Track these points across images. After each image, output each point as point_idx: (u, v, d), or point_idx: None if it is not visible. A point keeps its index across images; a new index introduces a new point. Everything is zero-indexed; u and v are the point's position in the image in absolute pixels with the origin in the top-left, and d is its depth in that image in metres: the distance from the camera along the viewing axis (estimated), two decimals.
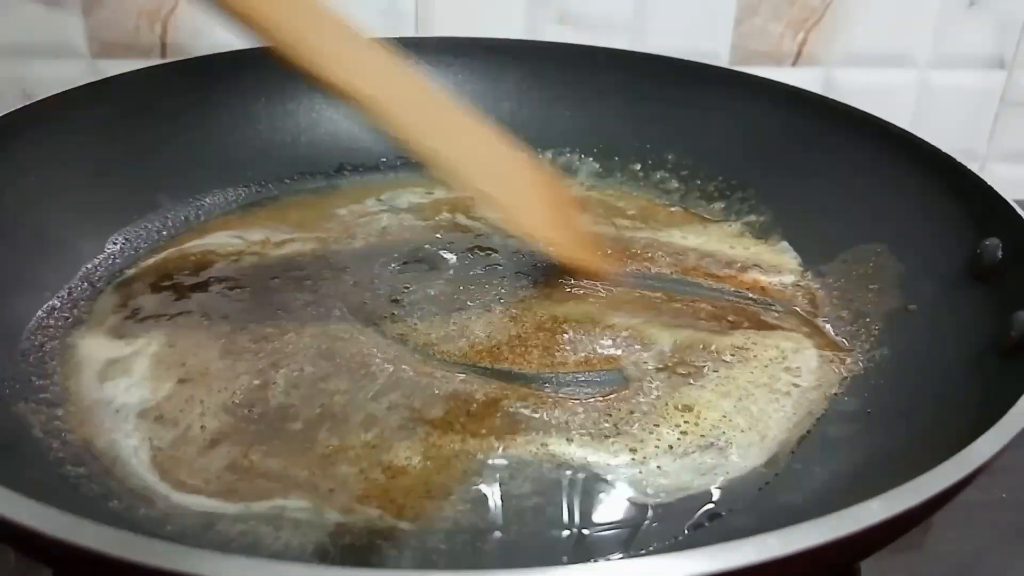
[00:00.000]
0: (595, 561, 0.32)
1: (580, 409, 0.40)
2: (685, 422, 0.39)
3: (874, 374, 0.42)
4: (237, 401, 0.39)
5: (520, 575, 0.22)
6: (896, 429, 0.38)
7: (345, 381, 0.41)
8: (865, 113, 0.53)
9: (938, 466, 0.26)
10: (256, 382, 0.40)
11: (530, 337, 0.44)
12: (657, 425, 0.39)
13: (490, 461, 0.37)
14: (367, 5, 0.68)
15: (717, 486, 0.36)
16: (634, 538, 0.34)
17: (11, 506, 0.24)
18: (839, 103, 0.55)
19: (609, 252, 0.52)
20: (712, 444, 0.38)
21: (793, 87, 0.57)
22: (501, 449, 0.37)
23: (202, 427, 0.38)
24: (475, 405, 0.39)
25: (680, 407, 0.40)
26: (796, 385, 0.42)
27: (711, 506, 0.35)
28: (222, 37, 0.67)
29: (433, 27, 0.70)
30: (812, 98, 0.56)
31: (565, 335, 0.45)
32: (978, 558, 0.40)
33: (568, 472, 0.37)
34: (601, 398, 0.41)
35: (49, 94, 0.50)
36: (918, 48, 0.74)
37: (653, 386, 0.41)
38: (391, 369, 0.41)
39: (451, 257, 0.51)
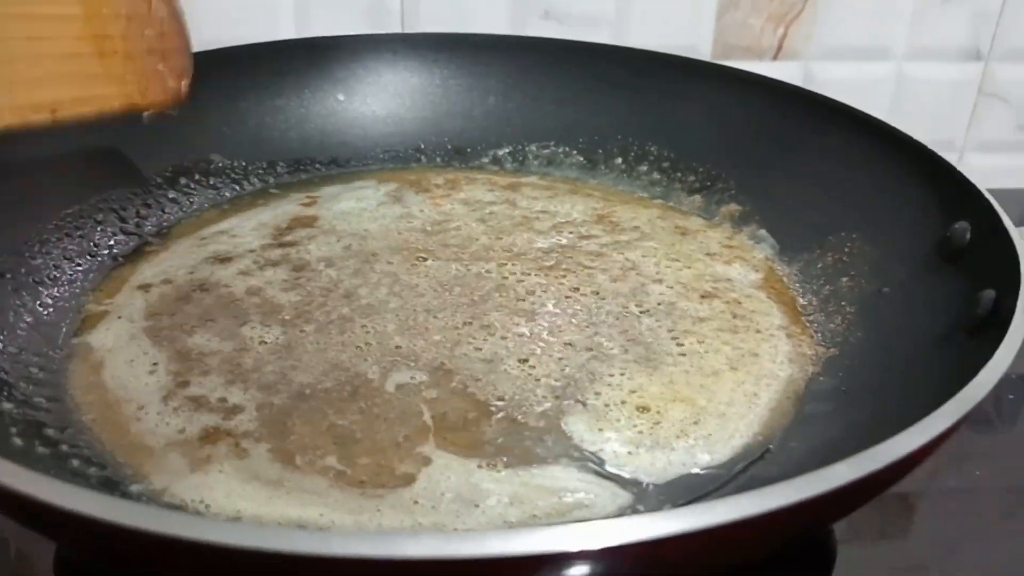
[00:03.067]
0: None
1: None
2: (662, 410, 0.40)
3: (849, 355, 0.43)
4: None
5: (499, 537, 0.23)
6: (869, 405, 0.39)
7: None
8: (839, 103, 0.54)
9: (901, 432, 0.27)
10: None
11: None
12: (642, 411, 0.40)
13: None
14: (353, 3, 0.69)
15: (698, 468, 0.37)
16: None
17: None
18: (815, 94, 0.56)
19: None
20: (690, 427, 0.39)
21: (771, 79, 0.59)
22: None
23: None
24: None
25: (654, 394, 0.41)
26: (773, 368, 0.43)
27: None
28: (209, 34, 0.68)
29: (419, 23, 0.71)
30: (789, 89, 0.58)
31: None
32: (960, 544, 0.41)
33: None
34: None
35: None
36: (895, 41, 0.76)
37: (622, 373, 0.42)
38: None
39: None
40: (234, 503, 0.34)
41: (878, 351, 0.42)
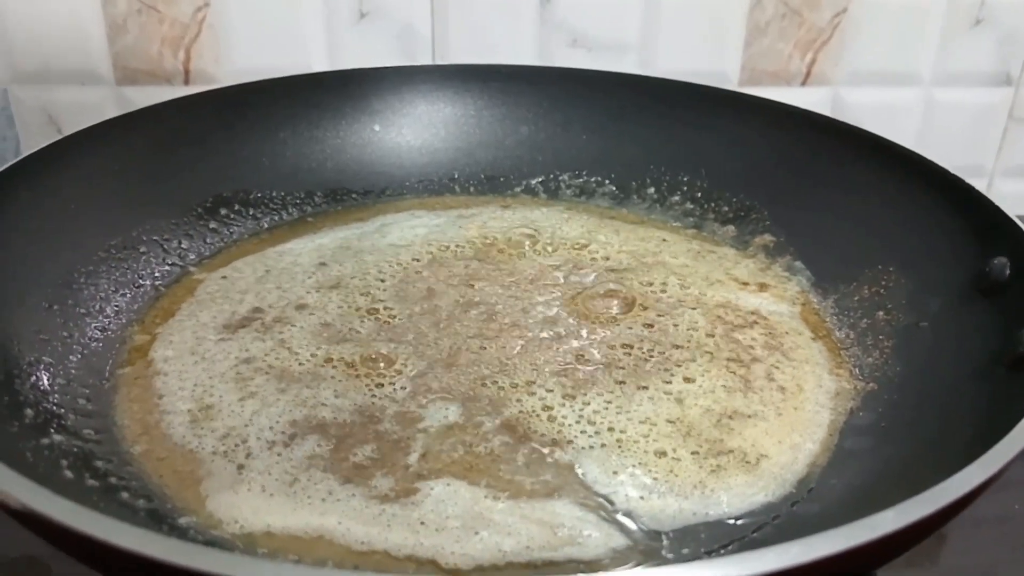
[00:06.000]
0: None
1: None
2: (681, 456, 0.40)
3: (887, 389, 0.43)
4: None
5: None
6: (909, 441, 0.39)
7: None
8: (874, 135, 0.54)
9: (950, 477, 0.27)
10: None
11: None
12: (659, 456, 0.40)
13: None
14: (385, 33, 0.70)
15: (713, 518, 0.37)
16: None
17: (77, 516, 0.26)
18: (846, 124, 0.56)
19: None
20: (709, 477, 0.39)
21: (803, 110, 0.59)
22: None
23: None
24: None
25: (676, 436, 0.41)
26: (813, 403, 0.43)
27: (733, 523, 0.37)
28: (244, 64, 0.70)
29: (449, 54, 0.72)
30: (822, 120, 0.58)
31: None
32: (991, 571, 0.41)
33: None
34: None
35: (74, 120, 0.52)
36: (924, 66, 0.76)
37: (647, 415, 0.42)
38: None
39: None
40: (263, 518, 0.36)
41: (917, 386, 0.42)
